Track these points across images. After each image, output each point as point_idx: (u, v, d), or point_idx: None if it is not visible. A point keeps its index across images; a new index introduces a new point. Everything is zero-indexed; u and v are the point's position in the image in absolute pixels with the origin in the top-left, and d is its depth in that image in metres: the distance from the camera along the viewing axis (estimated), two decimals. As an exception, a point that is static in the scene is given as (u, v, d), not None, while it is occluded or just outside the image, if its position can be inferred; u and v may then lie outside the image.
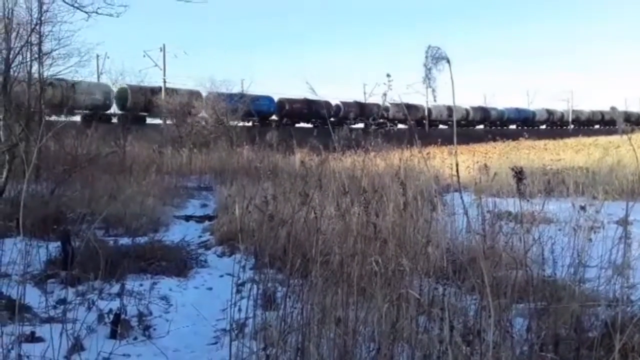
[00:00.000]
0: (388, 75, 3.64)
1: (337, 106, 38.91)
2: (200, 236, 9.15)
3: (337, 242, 3.81)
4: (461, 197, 3.41)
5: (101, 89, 29.57)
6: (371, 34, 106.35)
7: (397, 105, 40.37)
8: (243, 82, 38.01)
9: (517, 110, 56.53)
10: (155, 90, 31.94)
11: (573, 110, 61.45)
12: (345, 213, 3.94)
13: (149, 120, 31.72)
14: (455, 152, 4.99)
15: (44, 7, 11.17)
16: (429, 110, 46.64)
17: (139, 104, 30.37)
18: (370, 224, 3.55)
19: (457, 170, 3.29)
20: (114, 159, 14.09)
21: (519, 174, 2.64)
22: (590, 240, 4.16)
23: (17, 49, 10.54)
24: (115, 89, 30.49)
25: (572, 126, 58.32)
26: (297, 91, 37.90)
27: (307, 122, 36.42)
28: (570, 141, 27.67)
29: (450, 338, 2.72)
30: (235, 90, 33.13)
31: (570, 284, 3.75)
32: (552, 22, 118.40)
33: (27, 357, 3.36)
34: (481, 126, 51.72)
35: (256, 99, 34.03)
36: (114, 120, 30.06)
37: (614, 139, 24.77)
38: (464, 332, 2.88)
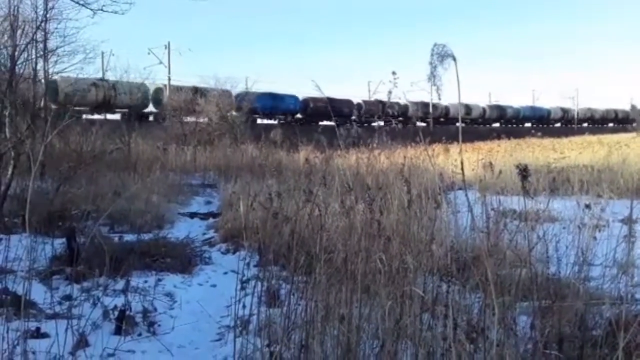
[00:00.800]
0: (394, 73, 3.64)
1: (359, 104, 38.96)
2: (204, 233, 9.17)
3: (341, 240, 3.82)
4: (466, 195, 3.41)
5: (139, 88, 29.83)
6: (373, 33, 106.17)
7: (416, 103, 44.39)
8: (247, 79, 38.22)
9: (532, 109, 57.44)
10: (202, 91, 31.53)
11: (588, 109, 62.47)
12: (350, 210, 3.94)
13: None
14: (461, 150, 4.98)
15: (50, 5, 11.20)
16: (447, 108, 47.70)
17: (175, 103, 30.29)
18: (375, 222, 3.55)
19: (462, 168, 3.29)
20: (118, 156, 14.12)
21: (523, 172, 2.64)
22: (595, 238, 4.15)
23: (23, 46, 10.56)
24: (152, 89, 31.44)
25: (583, 124, 58.71)
26: (303, 89, 38.17)
27: (330, 120, 36.11)
28: (576, 139, 27.54)
29: (454, 336, 2.72)
30: (240, 88, 33.48)
31: (574, 282, 3.75)
32: (554, 21, 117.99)
33: (33, 352, 3.37)
34: (497, 124, 52.35)
35: (282, 97, 36.02)
36: (151, 118, 31.40)
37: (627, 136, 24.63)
38: (468, 329, 2.88)
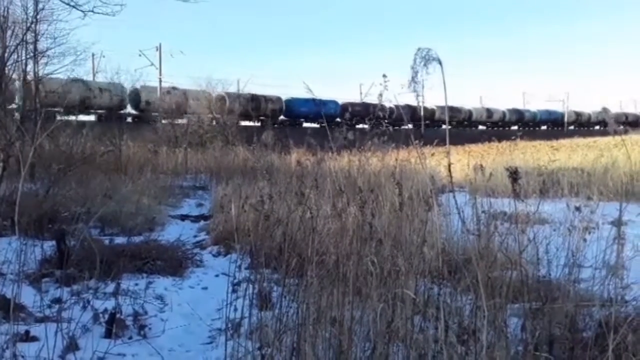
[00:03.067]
0: (384, 76, 3.65)
1: (391, 109, 40.04)
2: (195, 236, 9.14)
3: (333, 242, 3.82)
4: (454, 198, 3.42)
5: (206, 95, 33.08)
6: (367, 36, 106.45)
7: (442, 107, 48.13)
8: (239, 81, 38.38)
9: (548, 112, 60.58)
10: (249, 98, 36.56)
11: (600, 112, 63.75)
12: (341, 213, 3.94)
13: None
14: (448, 152, 4.99)
15: (40, 6, 11.15)
16: (470, 112, 52.21)
17: (234, 109, 33.53)
18: (366, 224, 3.55)
19: (450, 171, 3.30)
20: (109, 158, 14.05)
21: (513, 174, 2.65)
22: (585, 240, 4.17)
23: (13, 47, 10.50)
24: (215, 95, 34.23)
25: (595, 127, 61.06)
26: (293, 91, 38.86)
27: (365, 124, 38.62)
28: (583, 141, 27.79)
29: (446, 338, 2.73)
30: (232, 89, 34.12)
31: (564, 284, 3.77)
32: (543, 24, 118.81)
33: (22, 356, 3.34)
34: (515, 127, 54.92)
35: (325, 103, 38.47)
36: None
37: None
38: (459, 331, 2.89)
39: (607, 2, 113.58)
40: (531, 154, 18.29)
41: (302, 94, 35.26)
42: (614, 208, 4.41)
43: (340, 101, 40.63)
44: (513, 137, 21.86)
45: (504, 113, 55.69)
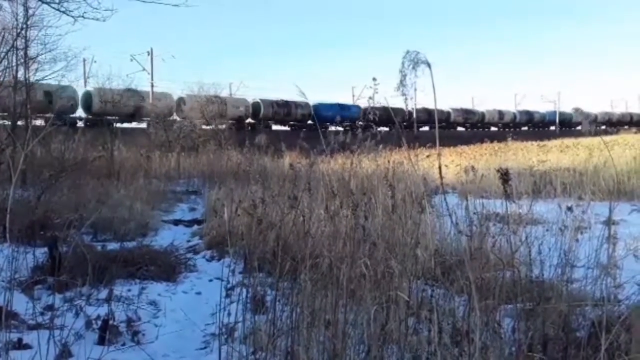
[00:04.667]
0: (374, 79, 3.66)
1: (409, 112, 45.12)
2: (188, 240, 9.11)
3: (326, 245, 3.82)
4: (445, 199, 3.43)
5: (243, 102, 38.44)
6: (356, 39, 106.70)
7: (457, 110, 52.10)
8: (231, 85, 38.54)
9: (556, 114, 62.33)
10: (281, 104, 39.97)
11: (606, 113, 66.98)
12: (334, 215, 3.94)
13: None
14: (439, 154, 5.01)
15: (30, 12, 11.10)
16: (483, 114, 55.27)
17: (269, 114, 39.58)
18: (359, 227, 3.56)
19: (441, 172, 3.31)
20: (101, 163, 13.99)
21: (504, 176, 2.66)
22: (577, 240, 4.19)
23: (3, 53, 10.45)
24: (251, 101, 39.22)
25: (602, 127, 62.48)
26: (286, 94, 39.68)
27: (386, 126, 40.58)
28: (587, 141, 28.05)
29: (439, 339, 2.73)
30: (224, 93, 34.52)
31: (557, 284, 3.78)
32: (534, 26, 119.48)
33: (15, 364, 3.32)
34: (525, 127, 58.29)
35: (349, 107, 41.42)
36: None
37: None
38: (453, 333, 2.90)
39: (598, 3, 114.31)
40: (529, 154, 18.38)
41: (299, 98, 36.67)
42: (606, 208, 4.44)
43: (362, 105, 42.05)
44: (509, 138, 22.13)
45: (514, 114, 58.44)
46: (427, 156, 12.05)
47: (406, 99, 2.56)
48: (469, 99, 69.08)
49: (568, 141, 26.62)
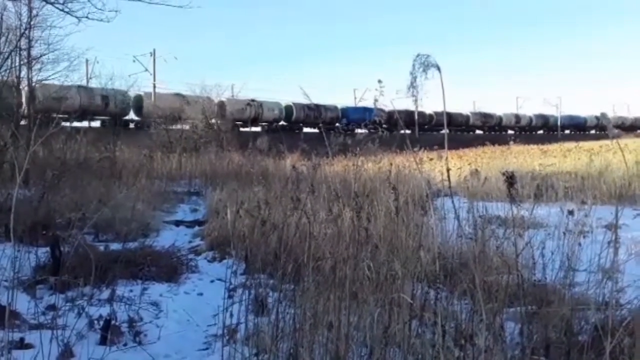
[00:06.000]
0: (379, 81, 3.66)
1: (430, 115, 48.44)
2: (190, 241, 9.12)
3: (329, 247, 3.82)
4: (452, 202, 3.43)
5: (277, 106, 40.33)
6: (358, 42, 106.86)
7: (475, 114, 54.53)
8: (233, 86, 38.66)
9: (571, 117, 64.03)
10: (312, 107, 41.21)
11: (619, 117, 66.38)
12: (337, 218, 3.95)
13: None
14: (447, 157, 5.02)
15: (34, 12, 11.11)
16: (500, 117, 56.96)
17: (300, 117, 41.27)
18: (362, 229, 3.56)
19: (449, 175, 3.31)
20: (103, 163, 14.01)
21: (509, 179, 2.66)
22: (580, 244, 4.19)
23: (6, 53, 10.46)
24: (284, 104, 40.74)
25: (615, 131, 61.94)
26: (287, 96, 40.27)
27: (408, 129, 43.83)
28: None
29: (443, 342, 2.73)
30: (226, 94, 34.82)
31: (560, 288, 3.78)
32: (536, 30, 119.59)
33: (17, 364, 3.33)
34: (540, 131, 60.50)
35: (372, 110, 39.42)
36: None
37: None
38: (456, 336, 2.89)
39: (600, 8, 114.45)
40: (524, 159, 18.37)
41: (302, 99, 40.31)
42: (607, 212, 4.44)
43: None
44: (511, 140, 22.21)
45: (530, 118, 60.16)
46: (431, 159, 12.04)
47: (416, 100, 2.57)
48: (470, 102, 69.34)
49: (569, 145, 26.73)
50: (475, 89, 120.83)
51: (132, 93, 32.56)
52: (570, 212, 4.62)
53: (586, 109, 70.91)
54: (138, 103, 33.40)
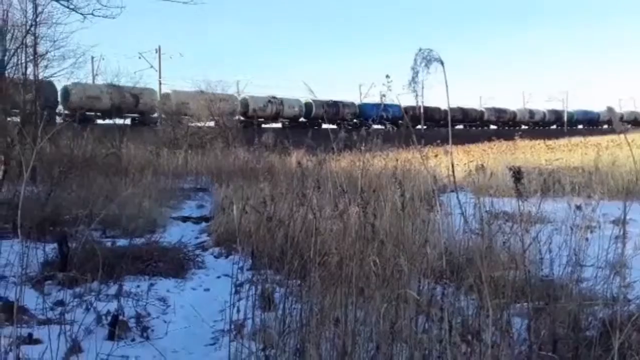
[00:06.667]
0: (387, 77, 3.65)
1: (445, 111, 48.64)
2: (197, 237, 9.14)
3: (335, 243, 3.81)
4: (457, 197, 3.42)
5: (297, 103, 41.40)
6: (366, 36, 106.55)
7: (490, 109, 55.40)
8: (238, 83, 38.78)
9: (585, 112, 64.37)
10: (331, 104, 42.46)
11: (632, 112, 67.15)
12: (343, 213, 3.94)
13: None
14: (451, 153, 5.01)
15: (39, 9, 11.14)
16: (514, 113, 57.92)
17: (319, 114, 41.32)
18: (368, 225, 3.55)
19: (453, 171, 3.30)
20: (110, 160, 14.05)
21: (516, 174, 2.65)
22: (587, 239, 4.17)
23: (12, 50, 10.49)
24: (304, 101, 41.63)
25: (628, 126, 62.45)
26: (293, 92, 40.69)
27: (424, 125, 45.43)
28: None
29: (449, 338, 2.73)
30: (231, 91, 35.07)
31: (567, 284, 3.77)
32: (543, 23, 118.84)
33: (26, 359, 3.35)
34: (554, 126, 61.09)
35: (390, 106, 40.79)
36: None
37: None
38: (463, 332, 2.89)
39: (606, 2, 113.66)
40: (531, 154, 18.29)
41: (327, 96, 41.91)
42: (615, 207, 4.42)
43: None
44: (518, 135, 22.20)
45: (544, 113, 60.91)
46: (436, 155, 12.01)
47: (417, 95, 2.56)
48: (475, 97, 69.23)
49: (576, 140, 26.70)
50: (481, 83, 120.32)
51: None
52: (578, 207, 4.60)
53: (592, 104, 70.61)
54: (165, 102, 33.93)
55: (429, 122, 45.63)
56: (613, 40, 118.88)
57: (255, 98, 38.50)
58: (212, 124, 28.70)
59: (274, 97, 39.23)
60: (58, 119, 26.84)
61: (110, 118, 29.39)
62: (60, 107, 29.37)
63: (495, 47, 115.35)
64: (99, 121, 29.79)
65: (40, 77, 12.91)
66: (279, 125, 40.23)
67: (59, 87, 27.20)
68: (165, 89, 35.72)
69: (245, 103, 37.97)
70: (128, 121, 31.83)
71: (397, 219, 4.44)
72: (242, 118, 37.00)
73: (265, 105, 38.96)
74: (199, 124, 27.07)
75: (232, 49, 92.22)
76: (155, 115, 32.27)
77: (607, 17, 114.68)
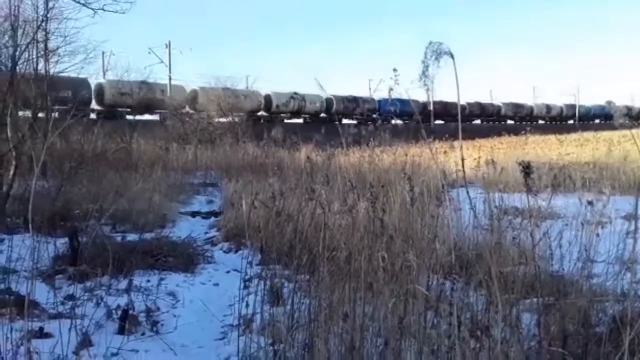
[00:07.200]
0: (395, 70, 3.63)
1: (463, 106, 48.52)
2: (206, 232, 9.17)
3: (344, 238, 3.81)
4: (467, 193, 3.40)
5: (318, 99, 41.54)
6: (372, 30, 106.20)
7: (507, 104, 55.40)
8: (247, 78, 38.84)
9: (601, 107, 64.23)
10: (350, 99, 43.29)
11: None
12: (352, 208, 3.94)
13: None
14: (461, 147, 4.97)
15: (50, 4, 11.16)
16: (532, 108, 58.03)
17: (339, 109, 42.20)
18: (377, 220, 3.54)
19: (463, 166, 3.28)
20: (120, 155, 14.12)
21: (526, 169, 2.63)
22: (598, 235, 4.13)
23: (24, 46, 10.53)
24: (324, 97, 41.76)
25: (596, 121, 63.28)
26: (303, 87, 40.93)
27: (442, 120, 45.94)
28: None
29: (458, 333, 2.72)
30: (241, 86, 35.28)
31: (578, 279, 3.74)
32: (553, 16, 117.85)
33: (37, 352, 3.37)
34: (571, 121, 60.55)
35: (408, 102, 42.07)
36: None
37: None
38: (472, 327, 2.88)
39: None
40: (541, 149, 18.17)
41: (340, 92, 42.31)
42: (626, 202, 4.38)
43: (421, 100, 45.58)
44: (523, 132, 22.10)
45: (561, 108, 60.97)
46: (445, 152, 11.96)
47: (428, 89, 2.54)
48: (486, 92, 68.92)
49: (588, 134, 26.56)
50: (489, 78, 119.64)
51: (187, 88, 34.47)
52: (590, 203, 4.56)
53: (609, 99, 69.80)
54: (193, 97, 34.33)
55: (447, 117, 45.70)
56: (625, 34, 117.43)
57: (278, 94, 39.28)
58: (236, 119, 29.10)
59: (296, 93, 39.62)
60: (92, 115, 27.94)
61: (141, 114, 29.86)
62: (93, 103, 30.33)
63: (505, 40, 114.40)
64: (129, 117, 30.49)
65: (51, 73, 12.95)
66: (300, 120, 40.97)
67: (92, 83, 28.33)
68: (176, 83, 35.77)
69: (269, 99, 38.82)
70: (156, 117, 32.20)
71: (406, 214, 4.43)
72: (265, 114, 38.54)
73: (288, 101, 39.61)
74: (220, 120, 27.33)
75: (244, 43, 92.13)
76: (184, 111, 32.59)
77: (618, 11, 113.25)
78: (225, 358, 4.02)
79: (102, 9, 9.58)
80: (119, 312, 4.59)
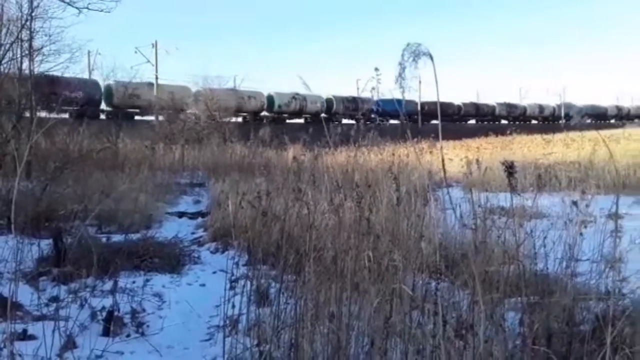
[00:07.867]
0: (376, 69, 3.63)
1: (459, 106, 52.04)
2: (193, 233, 9.13)
3: (331, 238, 3.81)
4: (448, 193, 3.42)
5: (319, 99, 42.57)
6: (362, 30, 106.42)
7: (501, 104, 56.29)
8: (235, 77, 38.76)
9: (593, 107, 65.38)
10: (350, 100, 44.21)
11: (638, 107, 70.56)
12: (339, 208, 3.94)
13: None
14: (441, 148, 4.99)
15: (35, 3, 11.07)
16: (525, 108, 59.99)
17: (339, 109, 43.59)
18: (364, 219, 3.55)
19: (444, 166, 3.30)
20: (106, 155, 14.00)
21: (509, 169, 2.64)
22: (582, 234, 4.17)
23: (8, 45, 10.43)
24: (325, 97, 43.31)
25: (635, 120, 65.87)
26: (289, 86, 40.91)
27: (437, 119, 46.10)
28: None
29: (443, 333, 2.73)
30: (229, 86, 35.12)
31: (562, 278, 3.77)
32: (537, 16, 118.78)
33: (20, 355, 3.33)
34: (563, 120, 60.31)
35: (408, 103, 45.74)
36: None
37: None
38: (457, 326, 2.89)
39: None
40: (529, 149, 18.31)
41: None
42: (610, 201, 4.42)
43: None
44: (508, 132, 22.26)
45: (554, 108, 62.83)
46: (430, 152, 12.00)
47: (403, 91, 2.55)
48: (473, 92, 69.46)
49: (574, 134, 26.86)
50: (476, 79, 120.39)
51: (193, 89, 34.58)
52: (574, 203, 4.59)
53: (591, 100, 70.42)
54: (198, 98, 34.17)
55: (442, 117, 46.21)
56: (609, 34, 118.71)
57: (280, 95, 40.12)
58: (239, 119, 29.20)
59: (297, 94, 40.14)
60: (102, 116, 28.75)
61: (150, 115, 29.97)
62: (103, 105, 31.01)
63: (491, 40, 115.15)
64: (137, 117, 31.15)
65: (35, 72, 12.83)
66: (301, 120, 41.77)
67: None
68: (182, 83, 35.67)
69: (271, 100, 39.78)
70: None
71: (392, 213, 4.44)
72: (267, 114, 39.62)
73: (290, 102, 40.52)
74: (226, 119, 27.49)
75: (232, 42, 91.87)
76: (190, 111, 32.64)
77: (603, 11, 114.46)
78: (211, 359, 4.00)
79: (87, 8, 9.53)
80: (104, 314, 4.55)
